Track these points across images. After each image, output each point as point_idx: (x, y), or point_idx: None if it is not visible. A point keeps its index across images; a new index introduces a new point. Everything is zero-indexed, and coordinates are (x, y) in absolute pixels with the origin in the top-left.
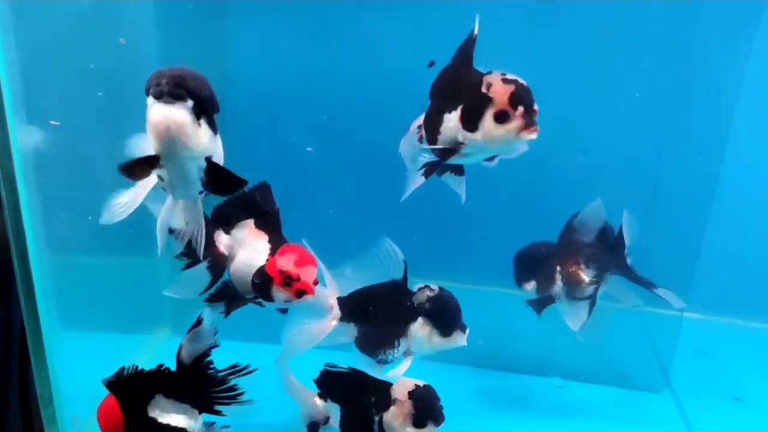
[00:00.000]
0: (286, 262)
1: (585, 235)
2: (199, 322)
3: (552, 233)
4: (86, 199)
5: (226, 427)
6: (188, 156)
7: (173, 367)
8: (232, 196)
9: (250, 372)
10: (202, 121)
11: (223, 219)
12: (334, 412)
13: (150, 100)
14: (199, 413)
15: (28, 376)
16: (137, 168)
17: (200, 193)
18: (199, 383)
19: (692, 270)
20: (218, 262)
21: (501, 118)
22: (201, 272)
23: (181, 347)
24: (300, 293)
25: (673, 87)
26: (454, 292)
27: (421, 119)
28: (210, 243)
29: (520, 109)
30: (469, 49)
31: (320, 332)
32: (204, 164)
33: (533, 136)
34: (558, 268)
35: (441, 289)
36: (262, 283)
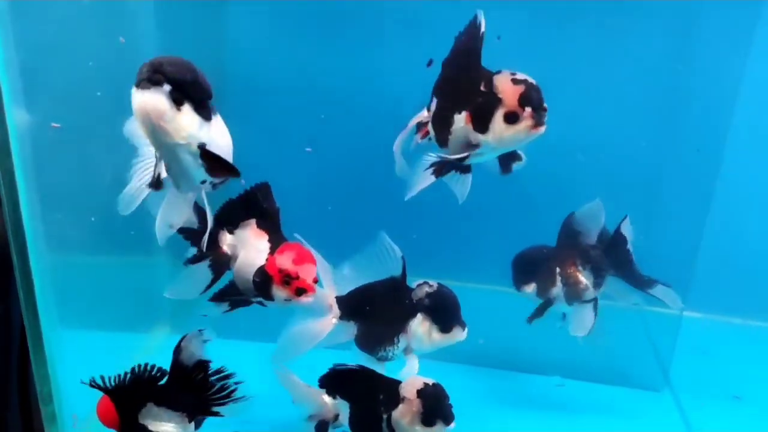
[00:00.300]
0: (284, 261)
1: (584, 236)
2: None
3: (552, 232)
4: (86, 197)
5: None
6: (174, 143)
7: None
8: (234, 196)
9: (237, 383)
10: (185, 107)
11: (227, 219)
12: (342, 409)
13: (133, 89)
14: (193, 418)
15: (27, 374)
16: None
17: (203, 183)
18: (192, 388)
19: (691, 269)
20: (219, 262)
21: (511, 119)
22: (201, 272)
23: (178, 352)
24: (299, 291)
25: (672, 86)
26: (455, 291)
27: (421, 116)
28: (213, 242)
29: (529, 109)
30: (477, 47)
31: (320, 332)
32: (197, 152)
33: (541, 130)
34: (558, 270)
35: (440, 285)
36: (263, 282)
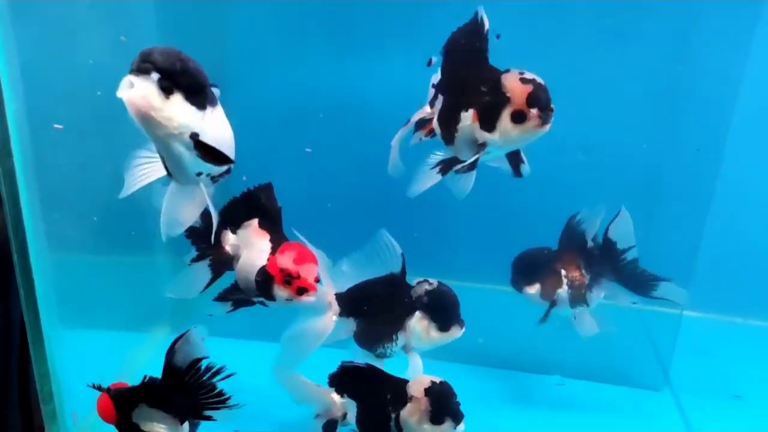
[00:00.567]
0: (286, 261)
1: (587, 238)
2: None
3: (552, 231)
4: (86, 197)
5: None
6: (164, 133)
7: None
8: (237, 195)
9: (229, 376)
10: (176, 96)
11: (230, 219)
12: (351, 408)
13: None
14: (185, 421)
15: (28, 373)
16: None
17: (199, 175)
18: (185, 392)
19: (691, 268)
20: (220, 262)
21: (518, 118)
22: (202, 271)
23: (171, 356)
24: (301, 291)
25: (672, 85)
26: (455, 290)
27: (423, 112)
28: (215, 241)
29: (536, 109)
30: (484, 44)
31: (322, 331)
32: (190, 143)
33: (546, 127)
34: (564, 272)
35: (439, 283)
36: (264, 282)
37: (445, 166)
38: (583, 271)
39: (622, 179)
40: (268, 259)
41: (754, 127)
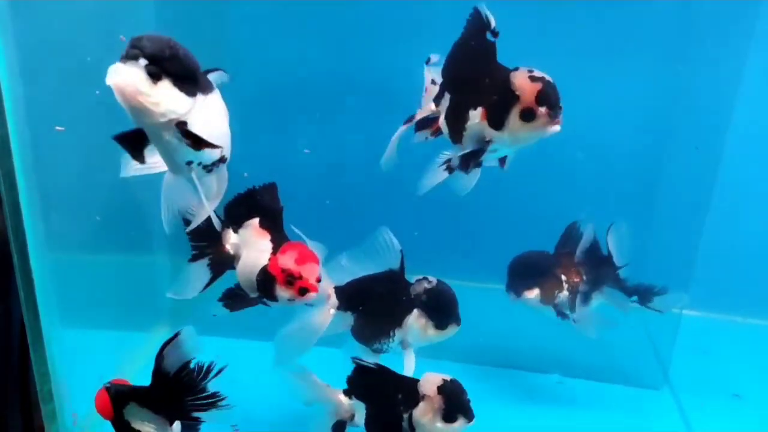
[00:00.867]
0: (287, 261)
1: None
2: (176, 335)
3: (552, 230)
4: (86, 196)
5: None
6: (151, 120)
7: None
8: (238, 194)
9: (221, 369)
10: (164, 82)
11: (232, 218)
12: (359, 409)
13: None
14: (173, 422)
15: (28, 373)
16: (127, 139)
17: (189, 164)
18: (173, 395)
19: (691, 267)
20: (220, 261)
21: (527, 116)
22: (202, 271)
23: (159, 360)
24: (303, 291)
25: (672, 85)
26: (455, 289)
27: (428, 110)
28: (215, 241)
29: (545, 107)
30: (491, 42)
31: (320, 325)
32: (177, 130)
33: (556, 128)
34: (563, 277)
35: (439, 281)
36: (266, 282)
37: (452, 164)
38: (583, 275)
39: (622, 179)
40: (269, 260)
41: (753, 126)
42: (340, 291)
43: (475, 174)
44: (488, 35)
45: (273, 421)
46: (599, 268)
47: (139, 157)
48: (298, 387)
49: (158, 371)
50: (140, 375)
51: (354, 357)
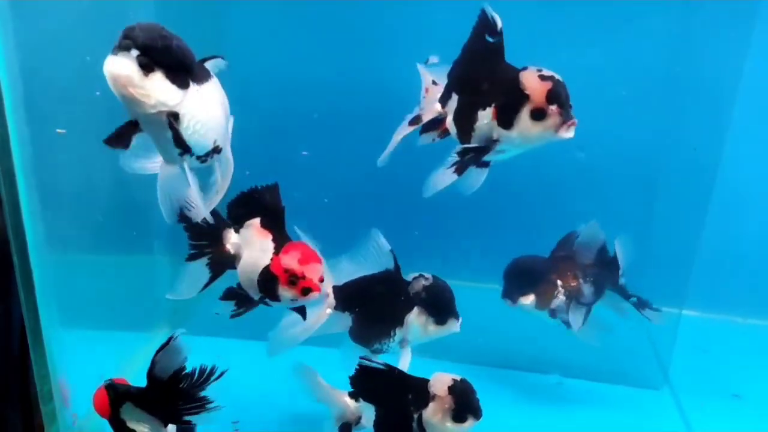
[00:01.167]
0: (290, 261)
1: (583, 253)
2: (170, 339)
3: (552, 229)
4: (86, 196)
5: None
6: (143, 111)
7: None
8: (240, 194)
9: (219, 375)
10: (156, 74)
11: (233, 217)
12: (366, 411)
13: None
14: (168, 424)
15: (28, 373)
16: (117, 137)
17: (182, 155)
18: (168, 399)
19: (690, 267)
20: (220, 261)
21: (538, 115)
22: (201, 271)
23: (153, 364)
24: (306, 291)
25: (671, 85)
26: (454, 290)
27: (434, 111)
28: (215, 240)
29: (556, 106)
30: (501, 42)
31: (315, 322)
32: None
33: (570, 133)
34: (559, 282)
35: (435, 277)
36: (268, 282)
37: (460, 165)
38: (581, 280)
39: (621, 179)
40: (271, 260)
41: (753, 126)
42: (337, 291)
43: (482, 174)
44: (487, 37)
45: (273, 421)
46: (603, 270)
47: (125, 142)
48: (304, 389)
49: (151, 377)
50: (140, 375)
51: (362, 356)
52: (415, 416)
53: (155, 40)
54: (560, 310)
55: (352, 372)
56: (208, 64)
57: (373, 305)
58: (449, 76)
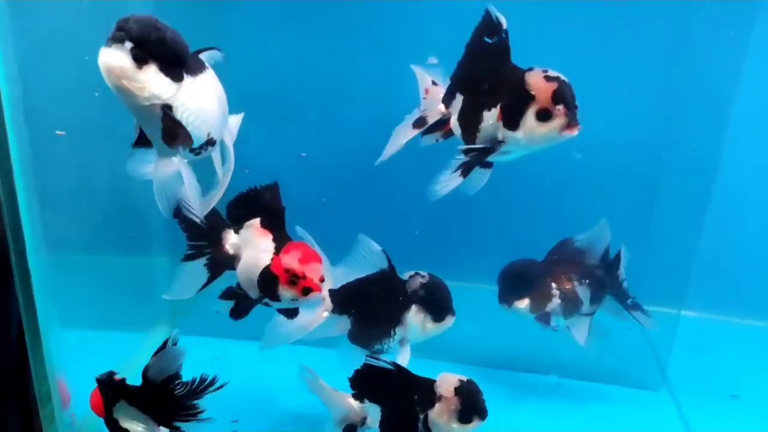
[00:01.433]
0: (290, 260)
1: (587, 252)
2: (166, 343)
3: (552, 230)
4: (85, 197)
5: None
6: (137, 104)
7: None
8: (240, 194)
9: (219, 387)
10: (150, 66)
11: (233, 217)
12: (371, 412)
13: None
14: (160, 425)
15: (26, 374)
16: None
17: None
18: (161, 402)
19: (689, 268)
20: (219, 261)
21: (543, 116)
22: (198, 270)
23: (148, 367)
24: (306, 291)
25: (670, 84)
26: (452, 290)
27: (438, 112)
28: (214, 240)
29: (562, 107)
30: (506, 43)
31: (309, 323)
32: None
33: (574, 133)
34: (554, 285)
35: (430, 275)
36: (268, 282)
37: (467, 167)
38: (576, 284)
39: (621, 179)
40: (272, 260)
41: (752, 126)
42: (334, 294)
43: (485, 174)
44: (486, 38)
45: (272, 421)
46: (601, 274)
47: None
48: (309, 392)
49: (146, 378)
50: (139, 376)
51: (369, 355)
52: (421, 417)
53: (149, 33)
54: (555, 314)
55: (350, 373)
56: (203, 56)
57: (372, 306)
58: (453, 76)
